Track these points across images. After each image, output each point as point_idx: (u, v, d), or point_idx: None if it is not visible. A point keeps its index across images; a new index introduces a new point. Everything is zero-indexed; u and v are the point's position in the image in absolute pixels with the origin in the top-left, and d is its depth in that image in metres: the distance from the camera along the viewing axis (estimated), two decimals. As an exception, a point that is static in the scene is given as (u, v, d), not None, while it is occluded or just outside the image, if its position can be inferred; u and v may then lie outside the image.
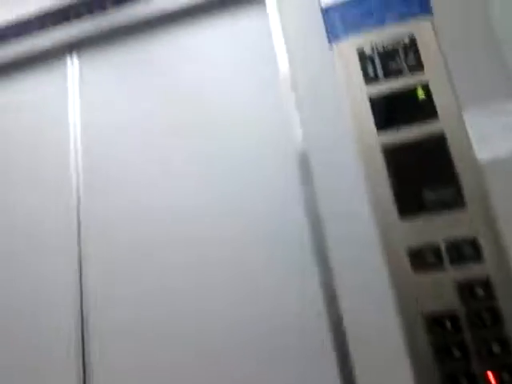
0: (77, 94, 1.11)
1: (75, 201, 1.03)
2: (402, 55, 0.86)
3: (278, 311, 0.84)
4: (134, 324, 0.91)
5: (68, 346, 0.94)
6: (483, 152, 0.78)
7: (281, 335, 0.83)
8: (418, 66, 0.85)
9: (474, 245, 0.69)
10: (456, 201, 0.73)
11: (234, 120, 0.98)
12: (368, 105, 0.85)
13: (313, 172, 0.84)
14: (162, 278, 0.93)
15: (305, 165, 0.88)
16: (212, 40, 1.05)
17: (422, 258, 0.71)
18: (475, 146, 0.78)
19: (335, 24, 0.91)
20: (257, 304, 0.86)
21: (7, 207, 1.08)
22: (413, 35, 0.86)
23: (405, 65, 0.85)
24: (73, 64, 1.14)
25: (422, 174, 0.77)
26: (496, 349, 0.62)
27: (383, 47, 0.86)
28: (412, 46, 0.86)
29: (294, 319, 0.83)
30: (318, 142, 0.85)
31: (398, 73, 0.85)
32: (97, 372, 0.91)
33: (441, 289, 0.68)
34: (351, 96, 0.86)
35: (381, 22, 0.88)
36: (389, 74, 0.85)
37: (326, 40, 0.91)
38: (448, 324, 0.65)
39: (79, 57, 1.14)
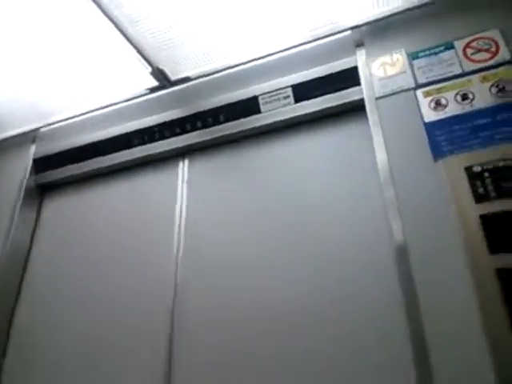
0: (185, 192, 1.22)
1: (172, 294, 1.09)
2: (515, 176, 0.84)
3: None
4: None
5: None
6: None
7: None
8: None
9: None
10: None
11: (330, 230, 1.01)
12: (479, 223, 0.82)
13: (419, 295, 0.81)
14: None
15: (411, 287, 0.84)
16: (313, 150, 1.12)
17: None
18: None
19: (439, 140, 0.93)
20: None
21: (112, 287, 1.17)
22: (525, 155, 0.85)
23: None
24: (184, 167, 1.27)
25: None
26: None
27: (493, 165, 0.85)
28: (525, 166, 0.84)
29: None
30: (425, 262, 0.84)
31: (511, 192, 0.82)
32: None
33: None
34: (460, 214, 0.84)
35: (488, 140, 0.88)
36: (502, 193, 0.83)
37: (428, 153, 0.92)
38: None
39: (190, 161, 1.27)
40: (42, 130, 1.45)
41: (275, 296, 0.99)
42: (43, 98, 1.34)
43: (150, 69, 1.20)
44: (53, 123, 1.42)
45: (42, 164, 1.41)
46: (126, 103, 1.35)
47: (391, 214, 0.90)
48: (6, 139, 1.47)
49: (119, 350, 1.08)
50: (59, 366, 1.13)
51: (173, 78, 1.26)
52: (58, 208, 1.40)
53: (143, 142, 1.27)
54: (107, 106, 1.36)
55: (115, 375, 1.05)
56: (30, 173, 1.40)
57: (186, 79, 1.27)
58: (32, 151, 1.43)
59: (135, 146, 1.28)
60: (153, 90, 1.31)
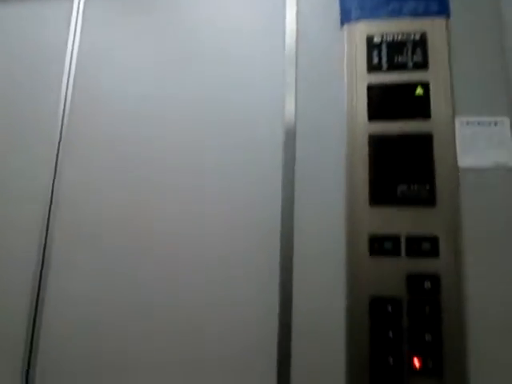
0: (79, 28, 1.11)
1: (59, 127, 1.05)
2: (409, 50, 0.86)
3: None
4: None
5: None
6: (465, 159, 0.80)
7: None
8: (423, 64, 0.85)
9: (433, 242, 0.72)
10: (427, 199, 0.76)
11: (231, 74, 0.98)
12: (365, 92, 0.86)
13: (297, 148, 0.86)
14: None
15: (291, 141, 0.89)
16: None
17: (381, 245, 0.74)
18: (459, 152, 0.80)
19: (349, 6, 0.92)
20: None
21: None
22: (425, 33, 0.87)
23: (410, 60, 0.86)
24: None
25: (401, 167, 0.79)
26: (428, 337, 0.66)
27: (393, 38, 0.87)
28: (421, 44, 0.86)
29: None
30: (308, 118, 0.87)
31: (402, 66, 0.86)
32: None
33: (391, 275, 0.71)
34: (350, 80, 0.87)
35: (396, 13, 0.89)
36: (393, 66, 0.86)
37: (338, 21, 0.91)
38: (390, 308, 0.69)
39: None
40: None
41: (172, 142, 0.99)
42: None
43: None
44: None
45: None
46: None
47: (289, 79, 0.91)
48: None
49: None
50: None
51: None
52: None
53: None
54: None
55: None
56: None
57: None
58: None
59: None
60: None
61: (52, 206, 1.00)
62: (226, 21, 1.01)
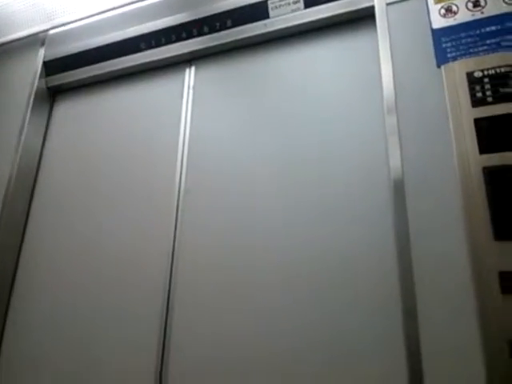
0: (190, 99, 1.25)
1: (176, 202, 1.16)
2: (514, 80, 0.85)
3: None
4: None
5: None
6: None
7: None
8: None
9: None
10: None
11: (334, 141, 1.04)
12: (472, 126, 0.85)
13: (407, 191, 0.87)
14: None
15: (399, 187, 0.89)
16: (321, 58, 1.12)
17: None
18: None
19: (445, 47, 0.93)
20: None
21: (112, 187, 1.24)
22: (527, 62, 0.85)
23: (516, 90, 0.84)
24: (190, 73, 1.28)
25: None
26: None
27: (495, 71, 0.87)
28: (526, 72, 0.85)
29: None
30: (416, 162, 0.88)
31: (508, 97, 0.84)
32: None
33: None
34: (456, 117, 0.87)
35: (494, 48, 0.89)
36: (498, 97, 0.85)
37: (434, 62, 0.93)
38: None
39: (196, 68, 1.28)
40: (51, 32, 1.45)
41: (275, 207, 1.05)
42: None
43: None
44: (61, 25, 1.42)
45: (52, 67, 1.43)
46: (135, 5, 1.34)
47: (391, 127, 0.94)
48: (13, 41, 1.48)
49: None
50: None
51: (182, -20, 1.24)
52: (68, 112, 1.44)
53: (150, 47, 1.28)
54: (115, 8, 1.35)
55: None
56: (40, 75, 1.42)
57: (195, -18, 1.25)
58: (42, 54, 1.44)
59: (142, 50, 1.29)
60: (162, -8, 1.29)
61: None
62: (328, 82, 1.09)
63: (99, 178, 1.28)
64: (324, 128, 1.05)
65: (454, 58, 0.91)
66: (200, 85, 1.25)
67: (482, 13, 0.93)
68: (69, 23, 1.41)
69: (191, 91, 1.25)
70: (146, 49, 1.29)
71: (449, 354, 0.75)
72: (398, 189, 0.89)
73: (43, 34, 1.46)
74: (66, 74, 1.41)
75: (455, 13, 0.96)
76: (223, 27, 1.19)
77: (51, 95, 1.47)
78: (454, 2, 0.96)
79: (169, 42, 1.27)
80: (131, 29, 1.32)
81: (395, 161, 0.90)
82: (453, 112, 0.87)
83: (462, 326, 0.75)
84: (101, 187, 1.27)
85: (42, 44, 1.46)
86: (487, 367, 0.71)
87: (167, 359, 1.01)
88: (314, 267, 0.95)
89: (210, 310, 1.01)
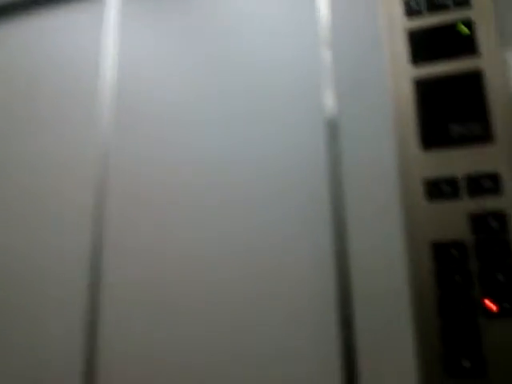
0: (117, 35, 1.13)
1: (102, 137, 1.07)
2: (448, -12, 0.81)
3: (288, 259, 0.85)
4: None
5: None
6: (521, 91, 0.73)
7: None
8: (465, 0, 0.80)
9: (494, 179, 0.66)
10: (484, 135, 0.70)
11: (268, 56, 0.97)
12: (405, 37, 0.81)
13: (339, 98, 0.83)
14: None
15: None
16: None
17: (438, 188, 0.69)
18: (513, 85, 0.74)
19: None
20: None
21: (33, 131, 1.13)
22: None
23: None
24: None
25: (452, 108, 0.74)
26: (500, 277, 0.60)
27: (428, -21, 0.82)
28: (461, -21, 0.80)
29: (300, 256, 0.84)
30: (349, 70, 0.84)
31: (443, 7, 0.80)
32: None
33: (452, 218, 0.66)
34: (389, 28, 0.82)
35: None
36: (433, 7, 0.80)
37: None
38: (454, 252, 0.64)
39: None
40: None
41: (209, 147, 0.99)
42: None
43: None
44: None
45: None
46: None
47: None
48: None
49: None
50: None
51: None
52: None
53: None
54: None
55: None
56: None
57: None
58: None
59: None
60: None
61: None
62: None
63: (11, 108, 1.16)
64: (255, 60, 0.98)
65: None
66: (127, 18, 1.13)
67: None
68: None
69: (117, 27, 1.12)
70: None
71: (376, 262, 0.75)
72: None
73: None
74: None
75: None
76: None
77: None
78: None
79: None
80: None
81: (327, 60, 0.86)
82: (388, 22, 0.82)
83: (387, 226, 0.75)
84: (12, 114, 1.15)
85: None
86: (409, 268, 0.71)
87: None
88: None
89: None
